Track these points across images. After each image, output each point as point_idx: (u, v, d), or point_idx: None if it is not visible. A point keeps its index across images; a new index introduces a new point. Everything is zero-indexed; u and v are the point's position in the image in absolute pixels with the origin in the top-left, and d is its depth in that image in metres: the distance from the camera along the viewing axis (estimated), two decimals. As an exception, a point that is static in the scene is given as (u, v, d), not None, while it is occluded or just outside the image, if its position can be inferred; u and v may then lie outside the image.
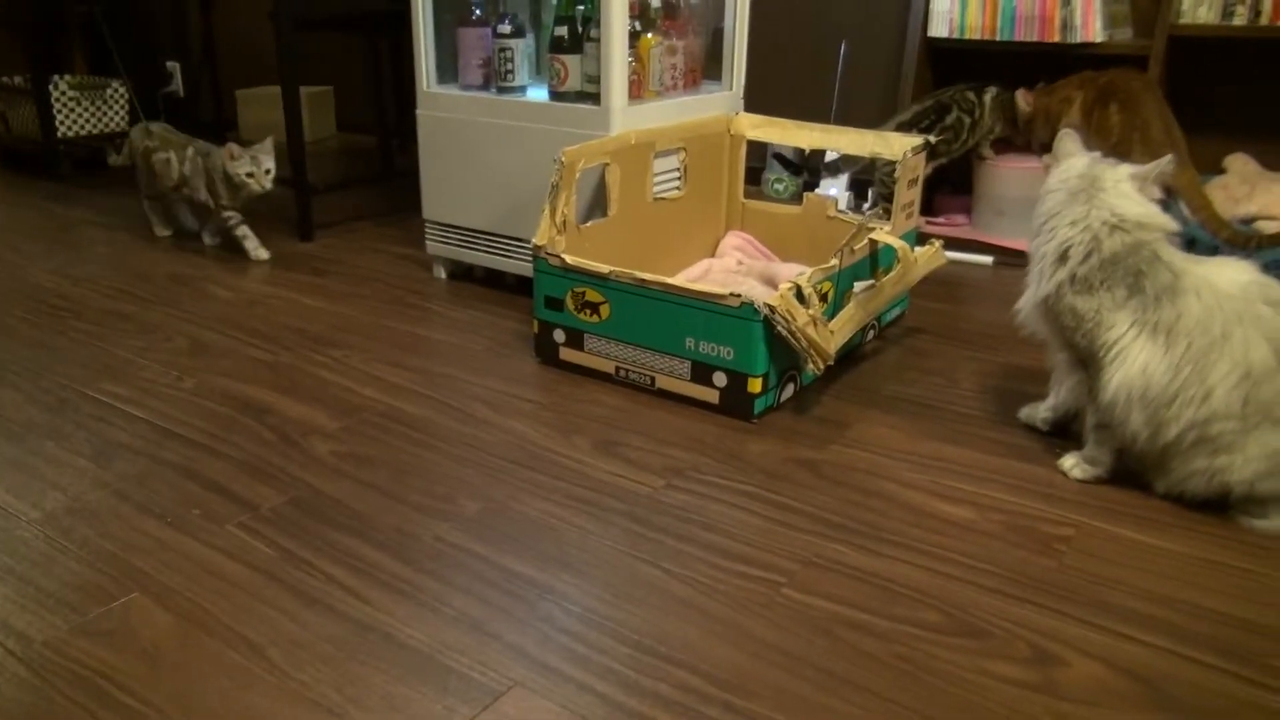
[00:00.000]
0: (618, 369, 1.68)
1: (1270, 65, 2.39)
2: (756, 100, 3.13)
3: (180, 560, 1.16)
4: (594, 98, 1.94)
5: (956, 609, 1.09)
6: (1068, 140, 1.38)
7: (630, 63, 1.98)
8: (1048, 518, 1.28)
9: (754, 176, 3.09)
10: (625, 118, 1.94)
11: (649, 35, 2.03)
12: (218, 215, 2.35)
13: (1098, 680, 0.98)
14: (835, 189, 2.75)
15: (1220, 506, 1.27)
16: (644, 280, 1.59)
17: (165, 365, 1.75)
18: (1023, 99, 2.41)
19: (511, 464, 1.41)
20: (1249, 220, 2.19)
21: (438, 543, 1.21)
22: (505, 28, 2.07)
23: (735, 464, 1.42)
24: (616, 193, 1.89)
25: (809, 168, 2.81)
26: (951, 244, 2.44)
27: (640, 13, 2.02)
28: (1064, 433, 1.48)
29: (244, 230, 2.36)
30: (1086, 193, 1.30)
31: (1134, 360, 1.25)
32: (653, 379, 1.64)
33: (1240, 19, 2.24)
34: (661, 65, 2.08)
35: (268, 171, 2.30)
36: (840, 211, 2.10)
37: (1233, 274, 1.26)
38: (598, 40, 1.90)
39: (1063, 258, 1.29)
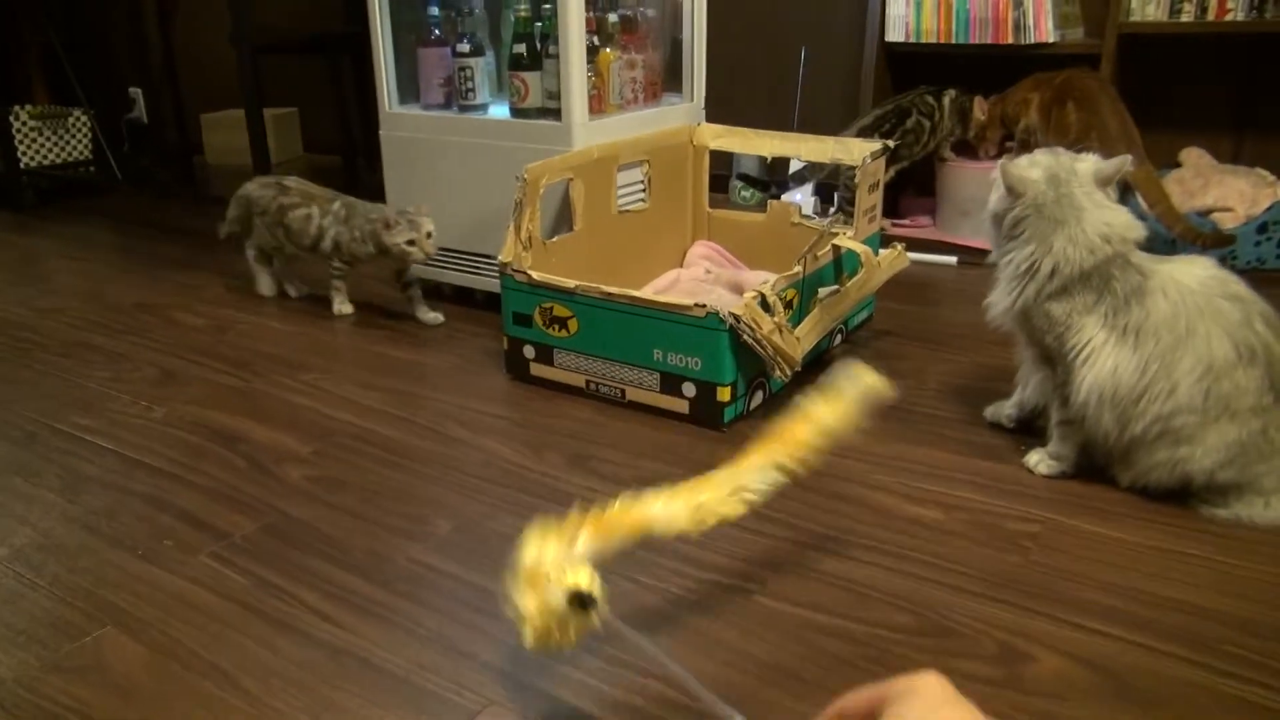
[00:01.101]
0: (588, 383, 1.69)
1: (1218, 60, 2.44)
2: (719, 110, 3.15)
3: (152, 592, 1.16)
4: (555, 114, 1.95)
5: (926, 609, 1.11)
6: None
7: (590, 78, 1.99)
8: (1014, 515, 1.30)
9: (721, 185, 3.11)
10: (587, 132, 1.95)
11: (608, 50, 2.05)
12: (332, 260, 2.13)
13: (1063, 674, 0.99)
14: (801, 196, 2.78)
15: (1182, 497, 1.30)
16: (610, 293, 1.60)
17: (134, 395, 1.74)
18: (979, 108, 2.44)
19: (484, 481, 1.41)
20: (1205, 212, 2.23)
21: (411, 564, 1.21)
22: (464, 47, 2.08)
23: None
24: (581, 207, 1.90)
25: (775, 181, 2.83)
26: (917, 245, 2.47)
27: (598, 28, 2.04)
28: (1029, 429, 1.50)
29: (340, 284, 2.17)
30: (1059, 209, 1.28)
31: (1105, 362, 1.28)
32: (623, 391, 1.65)
33: (1187, 16, 2.29)
34: (621, 79, 2.09)
35: (429, 235, 2.00)
36: (805, 217, 2.13)
37: (1195, 269, 1.29)
38: (556, 57, 1.91)
39: (1032, 271, 1.30)
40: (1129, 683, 0.98)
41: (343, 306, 2.18)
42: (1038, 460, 1.41)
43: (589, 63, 1.99)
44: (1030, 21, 2.41)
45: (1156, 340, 1.25)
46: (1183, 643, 1.04)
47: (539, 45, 1.98)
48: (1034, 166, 1.32)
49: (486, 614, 1.11)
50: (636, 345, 1.60)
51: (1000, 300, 1.37)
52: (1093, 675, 0.99)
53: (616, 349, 1.63)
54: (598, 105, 2.05)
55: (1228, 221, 2.18)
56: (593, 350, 1.66)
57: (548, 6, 1.95)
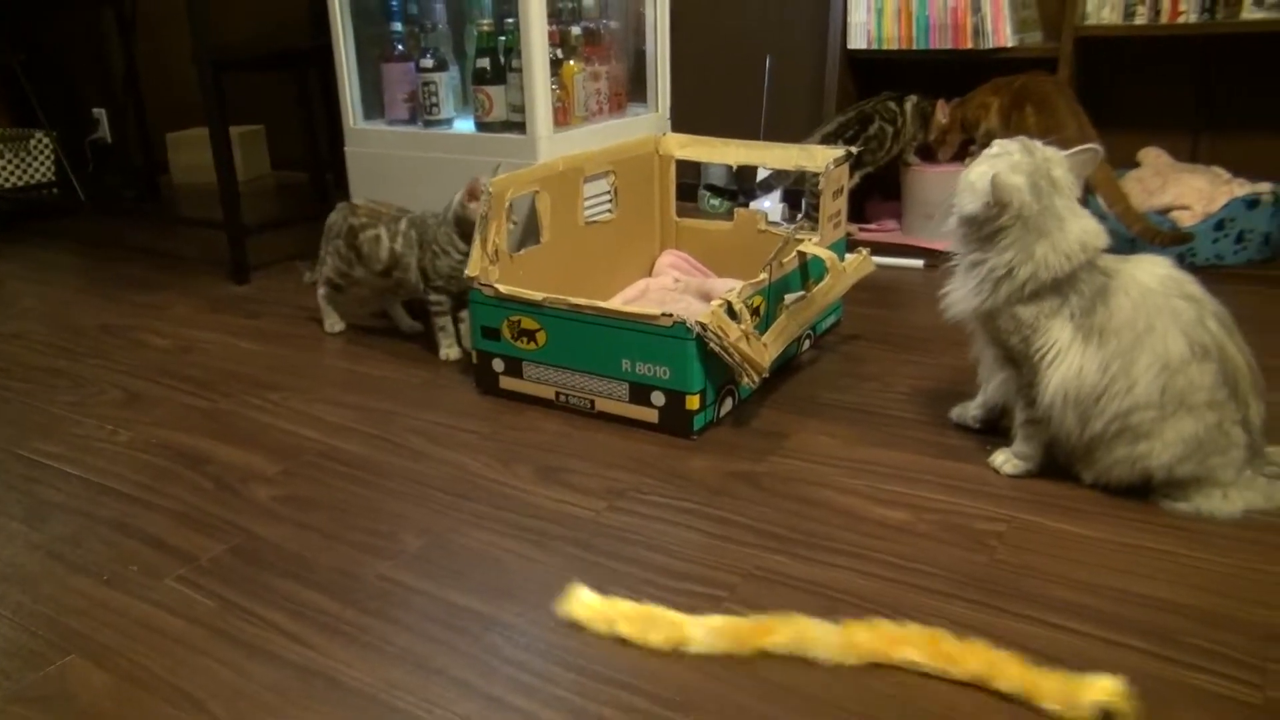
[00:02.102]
0: (558, 394, 1.69)
1: (1174, 60, 2.48)
2: (686, 120, 3.17)
3: (117, 619, 1.15)
4: (520, 127, 1.96)
5: (894, 611, 1.11)
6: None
7: (554, 90, 2.00)
8: (981, 514, 1.31)
9: (689, 193, 3.13)
10: (552, 145, 1.96)
11: (571, 63, 2.06)
12: (425, 295, 1.92)
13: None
14: (769, 203, 2.79)
15: (1144, 492, 1.32)
16: (577, 305, 1.61)
17: (99, 419, 1.72)
18: (940, 111, 2.47)
19: (454, 496, 1.41)
20: (1164, 211, 2.27)
21: (380, 581, 1.21)
22: (428, 62, 2.09)
23: (677, 482, 1.44)
24: (548, 219, 1.91)
25: (742, 189, 2.85)
26: (883, 249, 2.50)
27: (561, 41, 2.05)
28: (994, 429, 1.52)
29: (444, 322, 1.92)
30: (1043, 220, 1.29)
31: (1071, 362, 1.29)
32: (592, 402, 1.65)
33: (1141, 18, 2.33)
34: (586, 91, 2.10)
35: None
36: (771, 224, 2.14)
37: (1155, 269, 1.31)
38: (520, 70, 1.92)
39: (1008, 277, 1.31)
40: (1093, 678, 0.99)
41: (449, 350, 1.93)
42: (1003, 460, 1.42)
43: (553, 75, 1.99)
44: (989, 27, 2.44)
45: (1118, 339, 1.27)
46: (1146, 636, 1.05)
47: (502, 59, 1.99)
48: (1016, 172, 1.29)
49: (456, 629, 1.11)
50: (605, 356, 1.61)
51: (965, 300, 1.38)
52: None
53: (585, 360, 1.63)
54: (563, 117, 2.05)
55: (1186, 219, 2.21)
56: (562, 362, 1.66)
57: (510, 21, 1.96)
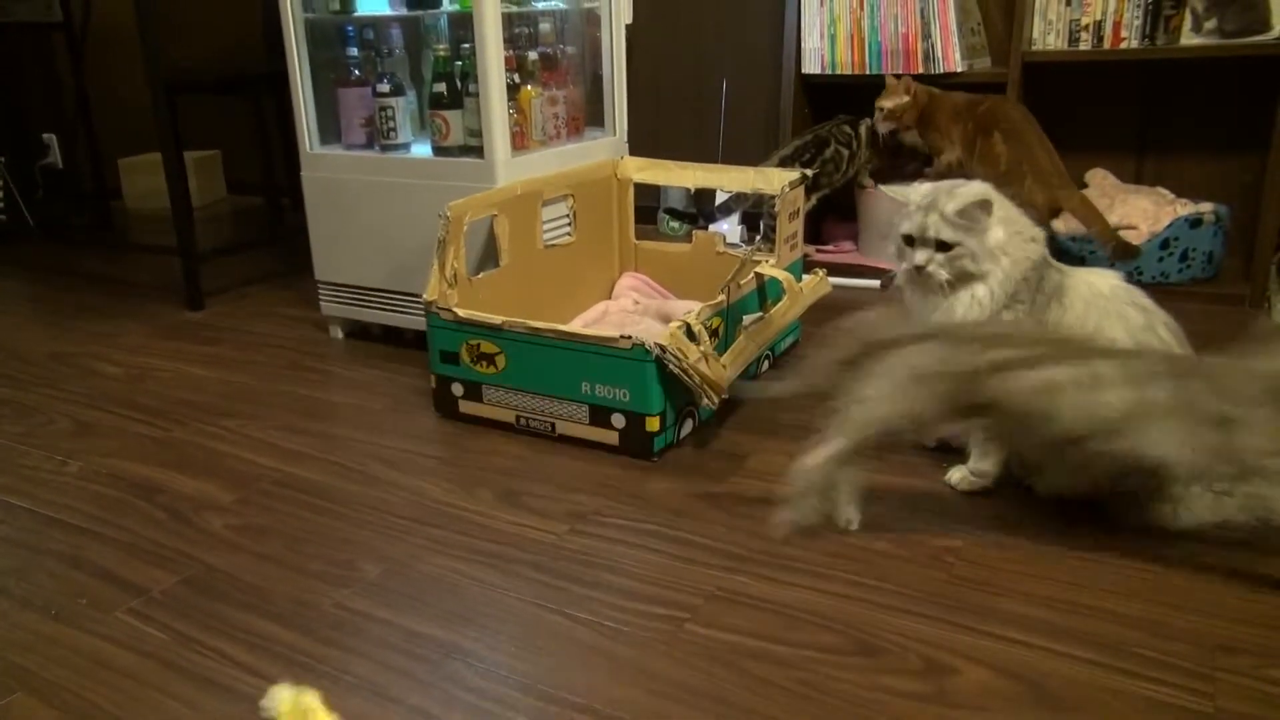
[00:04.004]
0: (518, 418, 1.68)
1: (1118, 85, 2.55)
2: (646, 144, 3.20)
3: (66, 654, 1.12)
4: (477, 151, 1.96)
5: (853, 629, 1.12)
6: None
7: (512, 114, 2.01)
8: (937, 531, 1.33)
9: (649, 216, 3.15)
10: (510, 169, 1.96)
11: (529, 87, 2.07)
12: None
13: (985, 685, 1.02)
14: (728, 225, 2.82)
15: (1095, 506, 1.34)
16: (536, 328, 1.61)
17: (47, 450, 1.68)
18: (892, 94, 2.43)
19: (413, 523, 1.40)
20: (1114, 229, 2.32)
21: (338, 610, 1.19)
22: (385, 87, 2.08)
23: (638, 504, 1.44)
24: (506, 243, 1.91)
25: (701, 212, 2.88)
26: (840, 269, 2.53)
27: (518, 65, 2.06)
28: (948, 447, 1.54)
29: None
30: (1015, 241, 1.35)
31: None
32: (553, 425, 1.65)
33: (1085, 44, 2.40)
34: (543, 115, 2.11)
35: None
36: (730, 246, 2.16)
37: (1106, 277, 1.36)
38: (477, 95, 1.93)
39: (998, 289, 1.35)
40: (1048, 690, 1.01)
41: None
42: (959, 477, 1.44)
43: (510, 100, 2.00)
44: (939, 52, 2.50)
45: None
46: (1098, 648, 1.07)
47: (459, 84, 1.99)
48: (913, 193, 1.38)
49: (416, 657, 1.09)
50: (565, 379, 1.61)
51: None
52: (1014, 685, 1.02)
53: (545, 383, 1.63)
54: (520, 142, 2.06)
55: (1133, 239, 2.27)
56: (521, 385, 1.66)
57: (467, 46, 1.96)
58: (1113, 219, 2.34)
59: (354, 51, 2.15)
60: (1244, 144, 2.43)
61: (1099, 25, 2.37)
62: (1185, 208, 2.32)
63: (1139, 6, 2.32)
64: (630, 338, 1.53)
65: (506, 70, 1.98)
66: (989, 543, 1.29)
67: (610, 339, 1.55)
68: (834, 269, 2.54)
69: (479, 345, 1.67)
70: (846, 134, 2.56)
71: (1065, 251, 2.34)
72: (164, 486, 1.53)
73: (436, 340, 1.72)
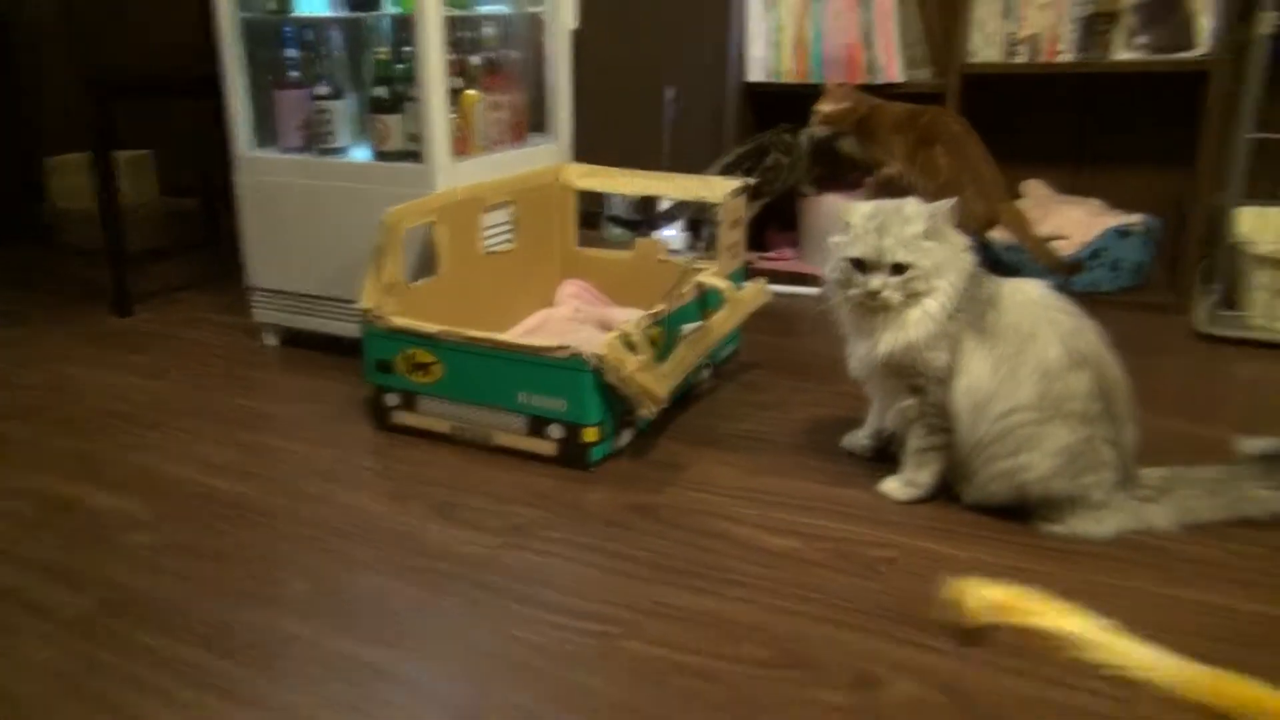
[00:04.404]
0: (454, 428, 1.66)
1: (1054, 97, 2.61)
2: (591, 150, 3.18)
3: (-28, 680, 1.08)
4: (418, 156, 1.94)
5: (785, 641, 1.12)
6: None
7: (453, 119, 1.98)
8: (871, 541, 1.34)
9: (594, 223, 3.13)
10: (451, 174, 1.94)
11: (471, 92, 2.04)
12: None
13: (913, 697, 1.02)
14: (673, 232, 2.82)
15: (1023, 515, 1.36)
16: (473, 337, 1.59)
17: (-39, 463, 1.62)
18: (828, 100, 2.43)
19: (343, 538, 1.37)
20: (1046, 240, 2.36)
21: (261, 630, 1.16)
22: (323, 89, 2.05)
23: (574, 516, 1.42)
24: (446, 250, 1.88)
25: (645, 219, 2.88)
26: (782, 277, 2.54)
27: (461, 70, 2.04)
28: (884, 456, 1.55)
29: None
30: (953, 254, 1.36)
31: (972, 369, 1.34)
32: (489, 436, 1.63)
33: (1022, 57, 2.44)
34: (486, 121, 2.09)
35: None
36: (673, 254, 2.16)
37: (1034, 287, 1.38)
38: (418, 99, 1.90)
39: (955, 307, 1.36)
40: (974, 700, 1.02)
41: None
42: (894, 487, 1.45)
43: (452, 104, 1.98)
44: (881, 62, 2.53)
45: (1006, 343, 1.33)
46: (1021, 656, 1.08)
47: (400, 87, 1.96)
48: (861, 210, 1.37)
49: (343, 679, 1.07)
50: (501, 389, 1.59)
51: (887, 345, 1.38)
52: (941, 696, 1.02)
53: (482, 393, 1.61)
54: (462, 147, 2.04)
55: (1065, 249, 2.32)
56: (457, 395, 1.64)
57: (409, 49, 1.94)
58: (1046, 229, 2.38)
59: (292, 53, 2.10)
60: (1174, 157, 2.49)
61: (1035, 39, 2.42)
62: (1116, 219, 2.37)
63: (1074, 21, 2.37)
64: (567, 348, 1.52)
65: (449, 74, 1.95)
66: (921, 552, 1.30)
67: (547, 349, 1.54)
68: (775, 276, 2.56)
69: (414, 354, 1.64)
70: (786, 142, 2.57)
71: (1003, 262, 2.38)
72: (80, 502, 1.48)
73: (372, 349, 1.69)
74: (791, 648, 1.11)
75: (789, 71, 2.63)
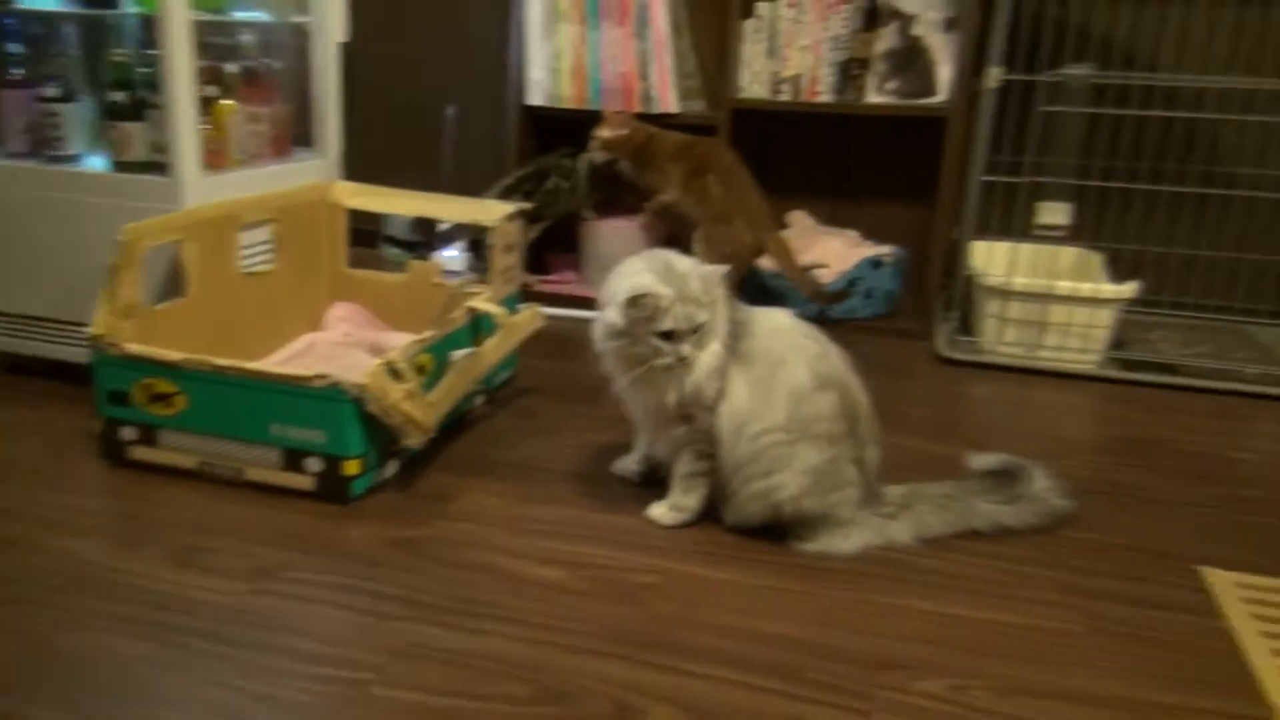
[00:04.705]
0: (201, 464, 1.54)
1: (816, 133, 2.78)
2: (370, 168, 3.08)
3: None
4: (163, 168, 1.79)
5: (545, 675, 1.11)
6: None
7: (206, 130, 1.85)
8: (635, 567, 1.35)
9: (373, 242, 3.03)
10: (202, 189, 1.81)
11: (227, 101, 1.92)
12: None
13: (667, 725, 1.04)
14: (454, 253, 2.77)
15: (778, 535, 1.42)
16: (221, 366, 1.48)
17: None
18: (609, 127, 2.47)
19: (58, 593, 1.23)
20: (807, 269, 2.51)
21: (-51, 705, 1.02)
22: (51, 90, 1.86)
23: (331, 555, 1.35)
24: (195, 271, 1.75)
25: (425, 241, 2.81)
26: (563, 300, 2.55)
27: (215, 78, 1.91)
28: (653, 481, 1.57)
29: None
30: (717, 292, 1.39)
31: (735, 393, 1.38)
32: (240, 471, 1.52)
33: (785, 95, 2.58)
34: (244, 133, 1.97)
35: None
36: (448, 276, 2.11)
37: (781, 315, 1.45)
38: (163, 106, 1.76)
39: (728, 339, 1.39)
40: (725, 724, 1.04)
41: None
42: (661, 512, 1.48)
43: (205, 114, 1.85)
44: (656, 93, 2.60)
45: (760, 366, 1.39)
46: (777, 675, 1.13)
47: (142, 93, 1.81)
48: (660, 285, 1.33)
49: (45, 754, 0.95)
50: (253, 421, 1.49)
51: (694, 382, 1.38)
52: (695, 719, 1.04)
53: (231, 426, 1.50)
54: (217, 160, 1.91)
55: (826, 277, 2.46)
56: (205, 428, 1.52)
57: (154, 52, 1.79)
58: (809, 258, 2.52)
59: (15, 48, 1.90)
60: (919, 194, 2.71)
61: (797, 79, 2.56)
62: (870, 249, 2.55)
63: (831, 65, 2.53)
64: (326, 376, 1.44)
65: (201, 82, 1.83)
66: (683, 576, 1.33)
67: (304, 377, 1.45)
68: (557, 300, 2.56)
69: (153, 384, 1.51)
70: (566, 167, 2.59)
71: (769, 288, 2.50)
72: None
73: (104, 379, 1.54)
74: (551, 682, 1.10)
75: (569, 97, 2.65)
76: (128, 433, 1.55)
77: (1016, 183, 2.29)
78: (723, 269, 1.41)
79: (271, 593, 1.25)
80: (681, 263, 1.39)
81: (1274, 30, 2.41)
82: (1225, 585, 1.34)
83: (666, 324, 1.34)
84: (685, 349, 1.36)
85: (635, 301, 1.34)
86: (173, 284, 1.75)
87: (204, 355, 1.50)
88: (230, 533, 1.39)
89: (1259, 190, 2.40)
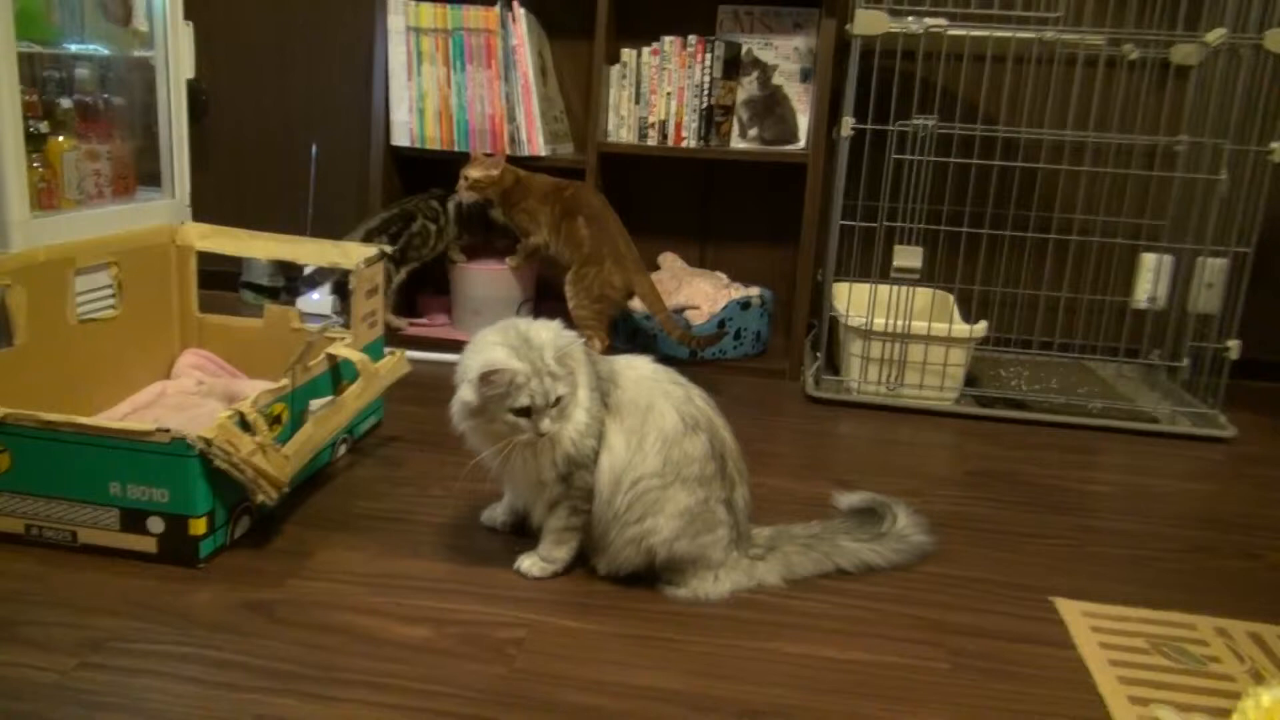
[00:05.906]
0: (28, 527, 1.42)
1: (684, 178, 2.82)
2: (227, 209, 2.96)
3: None
4: (-13, 208, 1.66)
5: (406, 743, 1.05)
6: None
7: (36, 169, 1.74)
8: (503, 622, 1.31)
9: (235, 285, 2.90)
10: (31, 231, 1.69)
11: (60, 139, 1.80)
12: None
13: (534, 788, 1.00)
14: (319, 296, 2.68)
15: (649, 581, 1.40)
16: (50, 421, 1.37)
17: None
18: (478, 168, 2.45)
19: None
20: (679, 310, 2.53)
21: None
22: None
23: (173, 622, 1.26)
24: (24, 318, 1.62)
25: (287, 285, 2.71)
26: (433, 344, 2.49)
27: (46, 113, 1.79)
28: (523, 531, 1.54)
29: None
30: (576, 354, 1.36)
31: (613, 444, 1.37)
32: (74, 534, 1.41)
33: (652, 140, 2.62)
34: (80, 172, 1.85)
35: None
36: (308, 320, 2.03)
37: (644, 363, 1.45)
38: (-16, 144, 1.64)
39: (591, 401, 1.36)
40: (595, 783, 1.01)
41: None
42: (530, 564, 1.44)
43: (36, 151, 1.73)
44: (524, 136, 2.59)
45: (631, 416, 1.38)
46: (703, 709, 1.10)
47: (-39, 129, 1.68)
48: (513, 360, 1.30)
49: None
50: (89, 480, 1.38)
51: (564, 451, 1.35)
52: (562, 782, 1.01)
53: (63, 486, 1.39)
54: (49, 200, 1.79)
55: (696, 318, 2.49)
56: (32, 489, 1.40)
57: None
58: (679, 299, 2.55)
59: None
60: (785, 236, 2.79)
61: (664, 124, 2.61)
62: (738, 291, 2.60)
63: (695, 112, 2.59)
64: (169, 430, 1.36)
65: (30, 118, 1.71)
66: (552, 629, 1.30)
67: (145, 432, 1.36)
68: (428, 343, 2.50)
69: (-29, 444, 1.38)
70: (434, 209, 2.55)
71: (640, 329, 2.51)
72: None
73: (-87, 438, 1.40)
74: (412, 749, 1.04)
75: (434, 138, 2.62)
76: (-60, 497, 1.41)
77: (872, 227, 2.38)
78: (580, 339, 1.37)
79: (104, 666, 1.15)
80: (539, 333, 1.34)
81: (1099, 88, 2.61)
82: (1074, 615, 1.40)
83: (522, 400, 1.29)
84: (545, 424, 1.31)
85: (486, 379, 1.29)
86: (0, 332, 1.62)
87: (31, 410, 1.39)
88: (60, 603, 1.28)
89: (1089, 235, 2.58)
